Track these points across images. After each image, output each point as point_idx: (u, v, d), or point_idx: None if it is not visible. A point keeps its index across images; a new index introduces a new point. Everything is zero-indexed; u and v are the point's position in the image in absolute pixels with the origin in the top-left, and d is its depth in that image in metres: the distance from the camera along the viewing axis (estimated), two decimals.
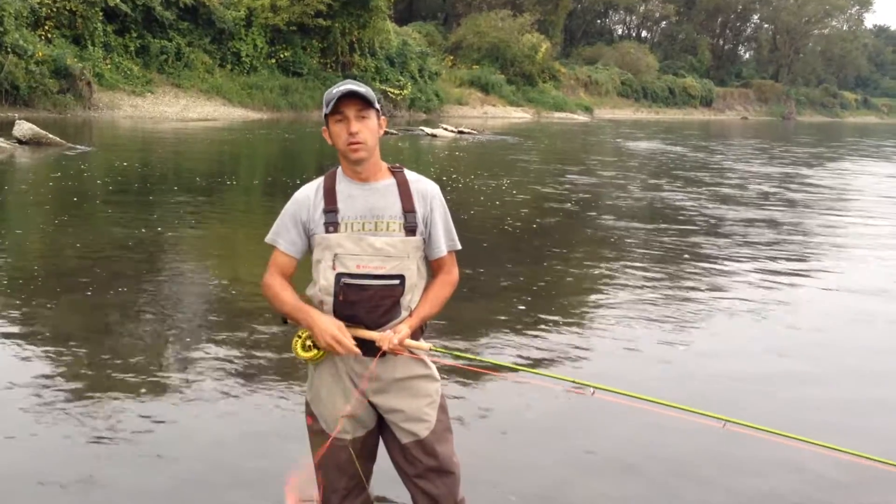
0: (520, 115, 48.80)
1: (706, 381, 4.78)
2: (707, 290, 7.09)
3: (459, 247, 2.59)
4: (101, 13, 28.82)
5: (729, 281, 7.51)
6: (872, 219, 12.29)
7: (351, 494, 2.57)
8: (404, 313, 2.45)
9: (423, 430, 2.49)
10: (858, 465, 2.74)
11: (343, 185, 2.46)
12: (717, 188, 15.52)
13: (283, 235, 2.49)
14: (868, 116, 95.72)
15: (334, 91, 2.37)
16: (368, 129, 2.38)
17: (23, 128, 16.59)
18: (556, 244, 9.26)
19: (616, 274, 7.61)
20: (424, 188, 2.50)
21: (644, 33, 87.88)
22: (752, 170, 20.22)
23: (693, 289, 7.09)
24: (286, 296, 2.45)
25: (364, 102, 2.37)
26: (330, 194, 2.45)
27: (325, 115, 2.41)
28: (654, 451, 3.73)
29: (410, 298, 2.46)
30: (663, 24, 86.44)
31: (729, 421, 2.46)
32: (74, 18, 28.22)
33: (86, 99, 26.71)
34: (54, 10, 27.67)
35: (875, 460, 2.46)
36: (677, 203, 12.97)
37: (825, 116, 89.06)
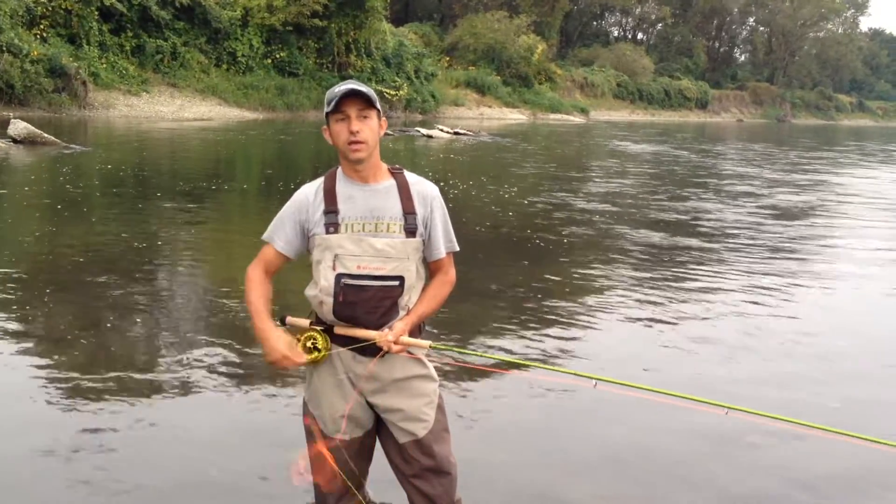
0: (516, 117, 48.81)
1: (713, 382, 4.77)
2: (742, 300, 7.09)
3: (458, 249, 2.61)
4: (96, 12, 28.73)
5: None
6: None
7: (347, 495, 2.57)
8: (402, 314, 2.46)
9: (420, 430, 2.50)
10: (864, 450, 2.69)
11: (343, 186, 2.47)
12: (754, 199, 14.11)
13: (279, 234, 2.51)
14: (863, 119, 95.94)
15: (337, 90, 2.37)
16: (369, 129, 2.39)
17: (18, 127, 16.54)
18: (589, 261, 8.33)
19: (672, 293, 6.96)
20: (425, 190, 2.51)
21: (640, 35, 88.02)
22: (775, 177, 19.03)
23: (725, 292, 7.10)
24: (254, 295, 2.50)
25: (366, 102, 2.38)
26: (330, 195, 2.46)
27: (327, 113, 2.42)
28: (649, 451, 3.74)
29: (409, 299, 2.47)
30: (659, 26, 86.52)
31: (731, 408, 2.44)
32: (70, 17, 28.15)
33: (81, 98, 26.64)
34: (50, 9, 27.58)
35: (880, 443, 2.43)
36: (723, 217, 11.67)
37: (820, 119, 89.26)
